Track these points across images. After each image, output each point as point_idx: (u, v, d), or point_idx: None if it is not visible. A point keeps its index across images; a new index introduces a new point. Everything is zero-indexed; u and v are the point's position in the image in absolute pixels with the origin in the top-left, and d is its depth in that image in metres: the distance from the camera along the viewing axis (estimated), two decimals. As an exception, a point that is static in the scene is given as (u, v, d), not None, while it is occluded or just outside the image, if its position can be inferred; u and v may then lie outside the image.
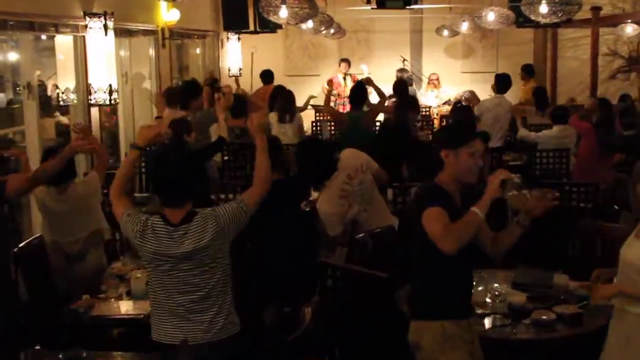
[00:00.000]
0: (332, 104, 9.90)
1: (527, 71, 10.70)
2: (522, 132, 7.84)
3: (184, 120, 5.81)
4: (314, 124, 9.69)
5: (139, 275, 3.90)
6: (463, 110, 6.43)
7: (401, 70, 11.59)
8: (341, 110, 10.85)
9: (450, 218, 2.88)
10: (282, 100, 8.17)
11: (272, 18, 6.68)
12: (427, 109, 11.09)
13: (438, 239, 2.85)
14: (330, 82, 8.85)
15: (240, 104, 7.88)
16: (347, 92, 11.43)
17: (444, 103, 11.33)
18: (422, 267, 3.06)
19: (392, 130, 6.58)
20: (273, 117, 8.04)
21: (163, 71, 9.30)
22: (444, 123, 10.03)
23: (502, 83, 8.17)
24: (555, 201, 2.91)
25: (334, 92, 11.00)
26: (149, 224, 2.97)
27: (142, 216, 3.02)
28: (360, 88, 7.58)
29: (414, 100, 7.16)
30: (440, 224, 2.86)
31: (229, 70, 11.84)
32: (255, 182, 3.19)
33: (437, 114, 10.91)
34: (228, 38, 11.82)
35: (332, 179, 4.64)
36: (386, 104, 7.97)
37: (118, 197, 3.12)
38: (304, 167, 4.48)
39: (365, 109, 7.49)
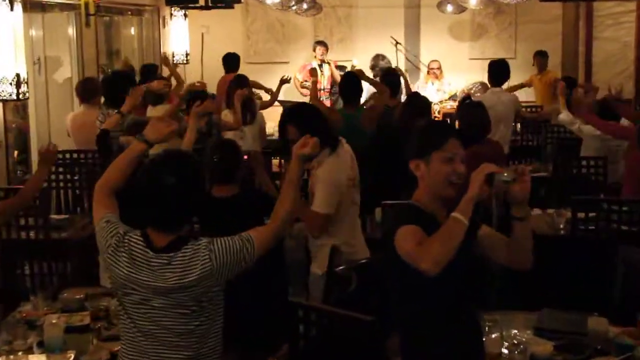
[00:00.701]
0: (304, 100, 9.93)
1: (543, 57, 10.82)
2: (565, 115, 7.72)
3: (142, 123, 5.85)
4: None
5: (54, 321, 3.86)
6: (474, 109, 6.43)
7: (376, 57, 11.55)
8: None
9: None
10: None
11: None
12: (426, 106, 11.18)
13: (413, 258, 2.88)
14: (314, 73, 8.75)
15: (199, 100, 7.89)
16: (325, 84, 11.55)
17: (449, 98, 11.41)
18: (404, 309, 3.10)
19: (392, 139, 6.61)
20: (227, 115, 8.04)
21: (87, 57, 9.28)
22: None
23: (497, 72, 8.23)
24: (527, 175, 2.98)
25: (307, 83, 11.02)
26: (126, 240, 2.97)
27: (122, 228, 3.02)
28: (353, 79, 7.64)
29: (426, 106, 7.05)
30: (414, 240, 2.91)
31: (173, 56, 11.84)
32: (273, 218, 3.19)
33: (438, 112, 10.98)
34: (172, 15, 11.83)
35: (340, 150, 4.70)
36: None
37: (104, 196, 3.16)
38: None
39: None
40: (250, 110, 8.11)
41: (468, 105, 6.83)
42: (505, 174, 2.95)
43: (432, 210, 3.08)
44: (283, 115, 4.78)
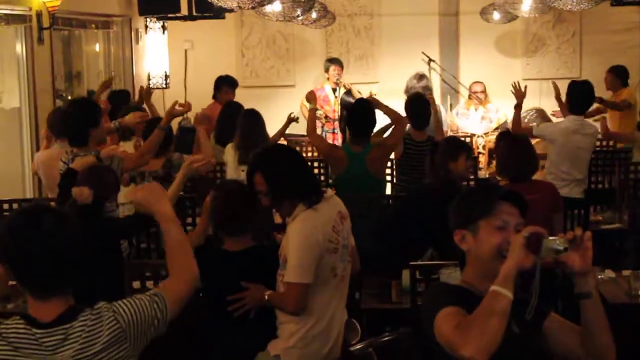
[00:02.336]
0: (318, 131, 9.99)
1: (620, 76, 10.83)
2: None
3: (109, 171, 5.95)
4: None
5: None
6: (514, 146, 6.50)
7: (414, 77, 11.44)
8: (332, 142, 10.91)
9: None
10: (243, 128, 8.30)
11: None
12: (468, 139, 11.20)
13: (451, 344, 2.93)
14: (312, 96, 8.82)
15: (185, 135, 8.00)
16: (339, 112, 11.59)
17: (496, 129, 11.43)
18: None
19: (422, 193, 6.64)
20: (229, 153, 8.13)
21: (40, 80, 9.36)
22: (494, 162, 10.13)
23: (580, 95, 8.24)
24: (589, 240, 3.00)
25: (319, 112, 11.08)
26: (1, 330, 2.97)
27: None
28: (364, 108, 7.73)
29: (459, 145, 6.98)
30: (452, 323, 2.95)
31: (149, 78, 11.94)
32: (176, 268, 3.27)
33: (483, 147, 11.00)
34: (147, 27, 11.96)
35: (321, 205, 4.67)
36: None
37: None
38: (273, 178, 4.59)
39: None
40: (256, 144, 8.21)
41: (510, 142, 6.90)
42: (557, 241, 2.98)
43: (482, 292, 3.09)
44: (250, 162, 4.82)
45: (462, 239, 3.21)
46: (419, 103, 8.66)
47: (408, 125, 8.44)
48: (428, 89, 10.86)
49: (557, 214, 6.41)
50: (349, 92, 11.61)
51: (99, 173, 5.74)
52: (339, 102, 11.61)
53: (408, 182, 8.29)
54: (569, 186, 7.82)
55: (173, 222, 3.33)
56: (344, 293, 4.76)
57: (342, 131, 10.86)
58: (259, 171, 4.59)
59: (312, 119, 8.24)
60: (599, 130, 8.47)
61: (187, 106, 7.44)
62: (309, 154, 10.64)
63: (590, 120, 8.86)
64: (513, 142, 6.76)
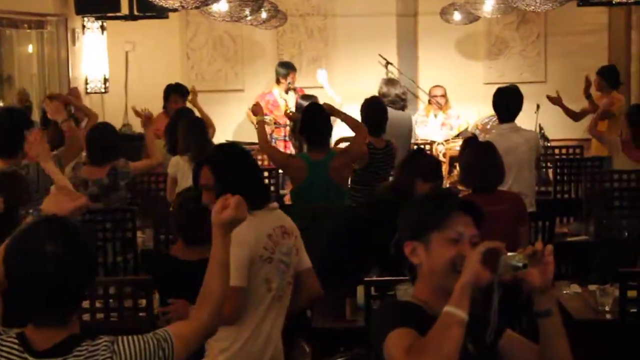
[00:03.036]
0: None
1: (609, 77, 10.84)
2: None
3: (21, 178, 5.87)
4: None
5: None
6: (481, 153, 6.54)
7: (387, 83, 11.42)
8: (284, 150, 10.89)
9: None
10: (195, 137, 8.33)
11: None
12: (428, 146, 11.25)
13: None
14: (258, 110, 8.63)
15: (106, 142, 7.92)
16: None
17: (457, 136, 11.49)
18: None
19: (385, 204, 6.63)
20: (183, 164, 8.14)
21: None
22: (456, 171, 10.18)
23: (505, 101, 8.29)
24: (550, 255, 3.01)
25: (268, 117, 11.07)
26: None
27: None
28: (319, 113, 7.75)
29: (430, 164, 6.87)
30: (403, 347, 2.92)
31: (87, 82, 11.87)
32: (198, 309, 3.24)
33: (443, 155, 11.05)
34: (84, 27, 11.88)
35: (262, 213, 4.70)
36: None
37: None
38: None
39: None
40: (202, 153, 8.26)
41: (475, 148, 6.93)
42: (516, 257, 2.97)
43: (435, 309, 3.08)
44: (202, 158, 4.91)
45: (413, 251, 3.17)
46: (378, 107, 8.68)
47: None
48: (404, 94, 10.85)
49: (523, 226, 6.45)
50: (305, 97, 11.47)
51: (9, 180, 5.70)
52: (296, 107, 11.53)
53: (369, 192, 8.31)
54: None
55: (220, 264, 3.34)
56: (281, 314, 4.76)
57: (298, 139, 10.80)
58: (207, 165, 4.64)
59: (262, 129, 8.17)
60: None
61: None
62: (259, 162, 10.62)
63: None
64: (479, 148, 6.80)
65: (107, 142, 7.74)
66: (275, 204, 4.77)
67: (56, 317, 2.95)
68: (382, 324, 3.10)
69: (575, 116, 10.92)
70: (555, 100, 10.17)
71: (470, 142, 7.30)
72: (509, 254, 2.97)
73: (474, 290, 2.94)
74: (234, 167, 4.63)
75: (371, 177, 8.23)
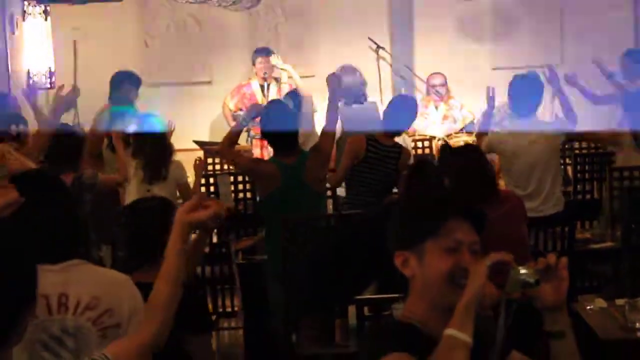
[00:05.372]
0: (243, 136, 9.98)
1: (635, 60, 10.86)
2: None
3: None
4: (204, 180, 9.72)
5: None
6: (466, 159, 6.63)
7: (343, 71, 11.10)
8: (261, 149, 10.93)
9: None
10: (145, 140, 8.37)
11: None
12: (427, 142, 11.27)
13: None
14: (236, 94, 8.68)
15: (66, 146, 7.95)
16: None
17: (461, 130, 11.50)
18: None
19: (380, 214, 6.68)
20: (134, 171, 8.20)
21: None
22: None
23: (521, 92, 8.38)
24: (564, 269, 3.03)
25: (240, 113, 11.07)
26: None
27: None
28: (283, 113, 7.85)
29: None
30: None
31: (30, 77, 11.85)
32: (144, 324, 3.32)
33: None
34: (25, 13, 11.85)
35: None
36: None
37: None
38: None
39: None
40: (163, 160, 8.29)
41: (452, 154, 7.00)
42: (527, 272, 2.98)
43: (431, 327, 3.10)
44: None
45: (404, 262, 3.16)
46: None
47: None
48: (363, 84, 10.85)
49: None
50: (293, 93, 11.34)
51: None
52: None
53: (363, 197, 8.34)
54: (539, 198, 7.91)
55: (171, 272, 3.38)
56: None
57: None
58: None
59: (236, 133, 8.17)
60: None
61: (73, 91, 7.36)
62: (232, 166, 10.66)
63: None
64: (463, 155, 6.88)
65: (71, 146, 7.74)
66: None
67: None
68: (374, 346, 3.11)
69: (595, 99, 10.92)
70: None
71: (445, 149, 7.42)
72: (520, 268, 2.98)
73: (478, 310, 2.95)
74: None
75: (366, 180, 8.30)
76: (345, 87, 10.22)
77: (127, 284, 4.15)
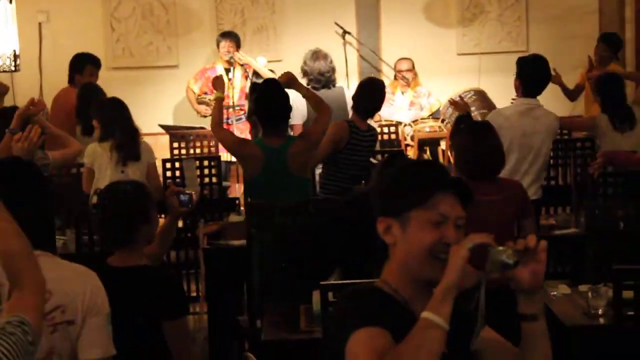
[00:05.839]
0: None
1: (612, 44, 10.87)
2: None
3: None
4: (169, 164, 9.70)
5: None
6: (478, 134, 6.55)
7: (313, 56, 10.77)
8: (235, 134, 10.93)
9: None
10: (122, 122, 8.40)
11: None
12: (393, 128, 11.28)
13: None
14: (218, 83, 8.53)
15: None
16: (236, 98, 11.53)
17: (429, 116, 11.52)
18: None
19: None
20: (100, 154, 8.26)
21: None
22: (425, 155, 10.25)
23: (533, 74, 8.34)
24: (543, 252, 3.02)
25: (207, 97, 11.08)
26: None
27: None
28: (274, 92, 7.78)
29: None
30: (371, 354, 2.90)
31: (-6, 60, 11.80)
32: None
33: (412, 138, 11.08)
34: (-11, -4, 11.79)
35: None
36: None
37: None
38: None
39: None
40: (134, 143, 8.36)
41: (474, 129, 6.94)
42: (506, 253, 2.96)
43: (406, 297, 3.10)
44: None
45: (387, 229, 3.13)
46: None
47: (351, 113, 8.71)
48: (333, 70, 10.83)
49: (527, 218, 6.49)
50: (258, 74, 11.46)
51: None
52: (251, 89, 11.42)
53: (339, 183, 8.36)
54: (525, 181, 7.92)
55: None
56: None
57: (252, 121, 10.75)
58: None
59: (218, 109, 8.14)
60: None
61: (40, 105, 7.29)
62: (198, 150, 10.65)
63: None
64: (475, 129, 6.82)
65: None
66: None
67: None
68: (344, 318, 3.06)
69: (571, 95, 11.02)
70: (555, 79, 10.06)
71: (464, 121, 7.34)
72: (499, 248, 2.96)
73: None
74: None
75: (347, 165, 8.33)
76: (318, 73, 10.26)
77: (88, 279, 4.05)
